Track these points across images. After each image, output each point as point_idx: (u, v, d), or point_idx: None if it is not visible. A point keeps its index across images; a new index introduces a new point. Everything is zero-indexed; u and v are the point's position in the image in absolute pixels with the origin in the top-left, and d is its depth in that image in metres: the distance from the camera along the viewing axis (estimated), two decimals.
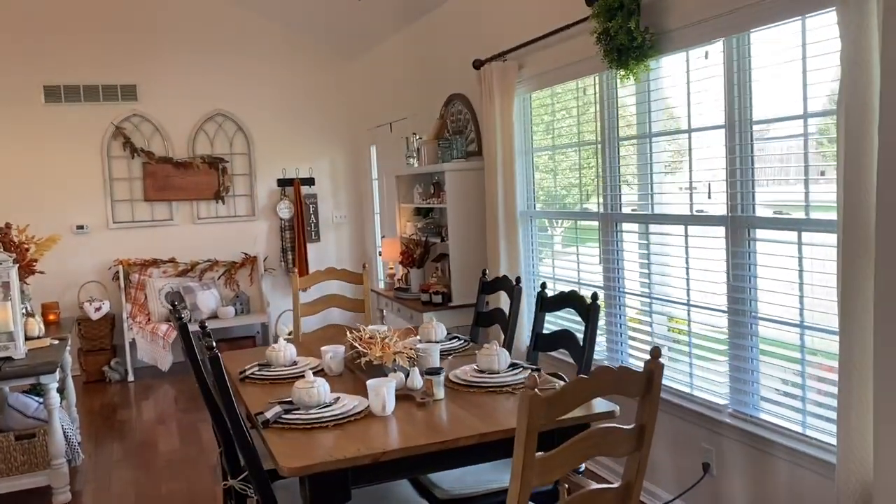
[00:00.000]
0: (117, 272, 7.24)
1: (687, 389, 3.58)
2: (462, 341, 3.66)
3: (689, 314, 3.57)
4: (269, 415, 2.63)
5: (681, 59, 3.49)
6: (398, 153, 7.00)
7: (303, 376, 3.16)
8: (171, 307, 3.24)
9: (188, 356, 3.13)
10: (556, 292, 3.38)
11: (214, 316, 7.27)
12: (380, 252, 7.65)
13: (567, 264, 4.61)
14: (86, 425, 5.67)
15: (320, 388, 2.68)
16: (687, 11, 3.30)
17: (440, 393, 2.81)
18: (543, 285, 3.40)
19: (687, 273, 3.55)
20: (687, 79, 3.47)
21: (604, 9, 3.51)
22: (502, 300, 4.44)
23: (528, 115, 4.86)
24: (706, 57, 3.23)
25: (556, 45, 4.29)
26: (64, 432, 4.34)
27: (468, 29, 5.44)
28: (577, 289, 4.37)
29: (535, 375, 1.78)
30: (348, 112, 8.16)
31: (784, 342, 3.07)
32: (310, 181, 8.01)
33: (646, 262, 3.85)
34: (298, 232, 7.89)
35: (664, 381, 3.67)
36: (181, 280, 7.39)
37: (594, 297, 3.02)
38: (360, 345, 3.17)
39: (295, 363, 3.37)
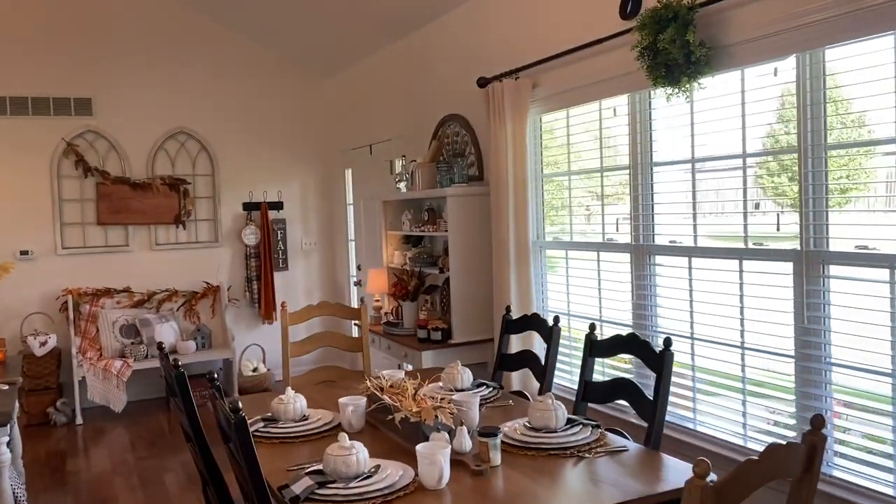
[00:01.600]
0: (66, 302, 6.56)
1: (739, 441, 3.22)
2: (491, 388, 3.23)
3: (742, 358, 3.22)
4: (298, 489, 2.15)
5: (734, 77, 3.18)
6: (378, 177, 6.57)
7: (321, 434, 2.70)
8: (161, 353, 2.73)
9: (185, 410, 2.62)
10: (613, 335, 2.96)
11: (174, 351, 6.65)
12: (356, 282, 7.17)
13: (583, 299, 4.23)
14: (30, 478, 5.00)
15: (360, 457, 2.22)
16: (749, 25, 2.99)
17: (497, 458, 2.37)
18: (592, 327, 3.00)
19: (741, 312, 3.20)
20: (742, 99, 3.16)
21: (651, 20, 3.18)
22: (516, 341, 4.02)
23: (539, 139, 4.50)
24: (775, 74, 2.92)
25: (578, 61, 3.95)
26: (13, 493, 3.72)
27: (467, 45, 5.07)
28: (599, 327, 4.01)
29: (706, 462, 1.37)
30: (322, 133, 7.69)
31: (869, 392, 2.74)
32: (278, 205, 7.49)
33: (687, 299, 3.50)
34: (265, 260, 7.34)
35: (710, 432, 3.31)
36: (137, 311, 6.76)
37: (668, 343, 2.64)
38: (389, 398, 2.72)
39: (305, 417, 2.88)
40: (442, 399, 2.66)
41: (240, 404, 1.97)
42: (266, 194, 7.43)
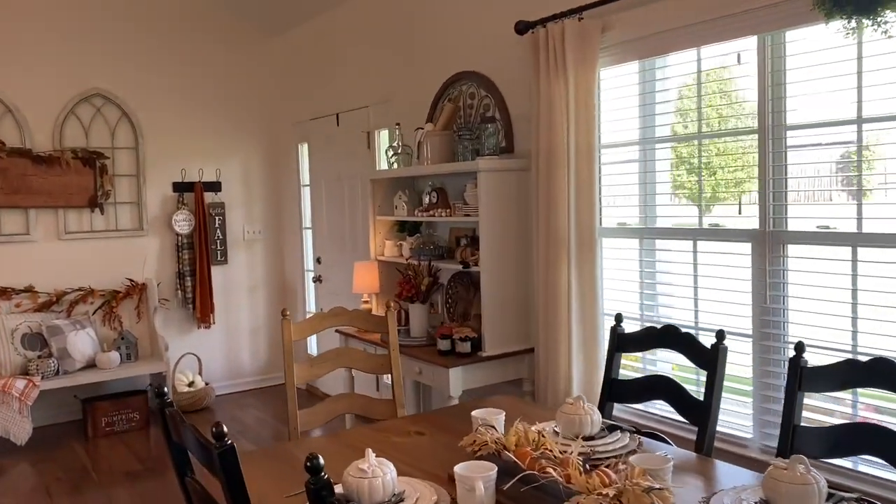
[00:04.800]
0: None
1: None
2: (628, 434, 2.30)
3: None
4: None
5: None
6: (348, 152, 5.51)
7: None
8: (163, 406, 1.62)
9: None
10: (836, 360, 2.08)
11: (92, 365, 5.36)
12: (315, 278, 6.06)
13: (665, 300, 3.38)
14: None
15: None
16: None
17: None
18: (800, 348, 2.11)
19: None
20: None
21: None
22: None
23: (597, 99, 3.59)
24: None
25: None
26: None
27: None
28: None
29: None
30: (270, 100, 6.50)
31: None
32: (216, 186, 6.26)
33: (848, 301, 2.68)
34: (200, 251, 6.11)
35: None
36: (43, 316, 5.40)
37: None
38: (550, 471, 1.74)
39: (400, 499, 1.86)
40: (641, 472, 1.71)
41: None
42: (202, 173, 6.19)
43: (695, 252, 3.19)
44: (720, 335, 2.34)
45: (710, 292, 3.15)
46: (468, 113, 4.28)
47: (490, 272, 3.72)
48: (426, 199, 4.36)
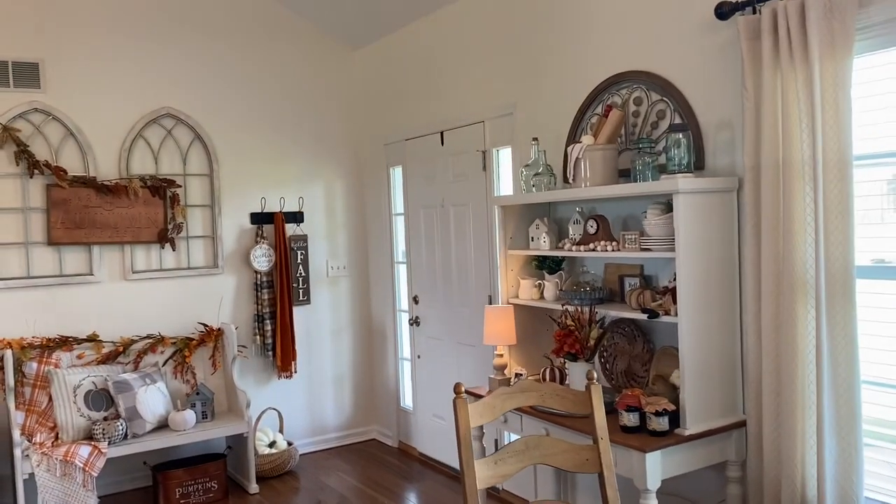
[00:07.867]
0: (1, 359, 4.44)
1: None
2: None
3: None
4: None
5: None
6: (458, 175, 4.74)
7: None
8: None
9: None
10: None
11: (164, 425, 4.60)
12: (412, 320, 5.26)
13: None
14: None
15: None
16: None
17: None
18: None
19: None
20: None
21: None
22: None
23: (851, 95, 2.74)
24: None
25: None
26: None
27: None
28: None
29: None
30: (357, 119, 5.78)
31: None
32: (297, 217, 5.53)
33: None
34: (282, 291, 5.35)
35: None
36: (109, 370, 4.66)
37: None
38: None
39: None
40: None
41: None
42: (283, 202, 5.47)
43: None
44: None
45: None
46: (632, 122, 3.47)
47: (692, 324, 2.87)
48: (573, 230, 3.56)
